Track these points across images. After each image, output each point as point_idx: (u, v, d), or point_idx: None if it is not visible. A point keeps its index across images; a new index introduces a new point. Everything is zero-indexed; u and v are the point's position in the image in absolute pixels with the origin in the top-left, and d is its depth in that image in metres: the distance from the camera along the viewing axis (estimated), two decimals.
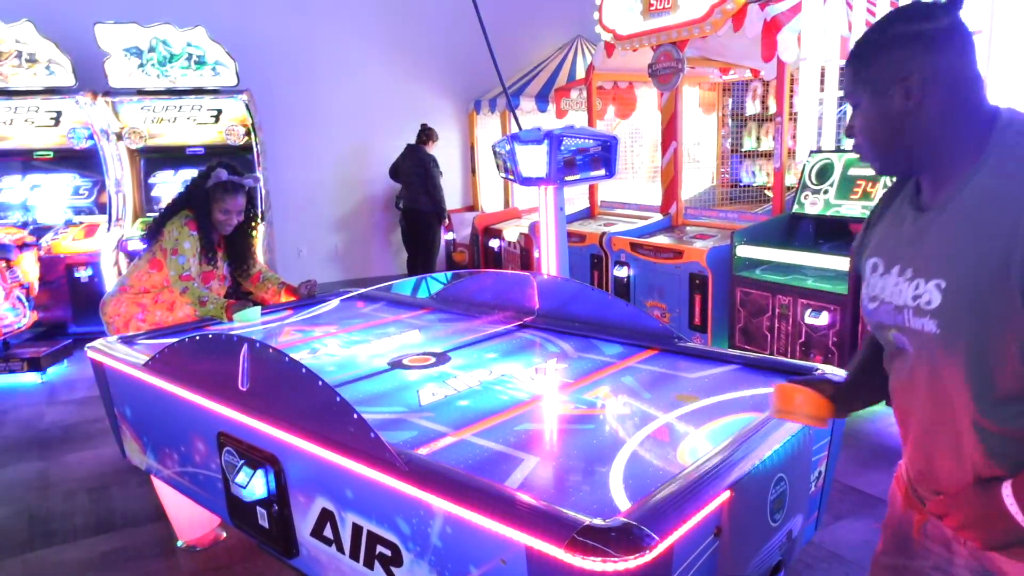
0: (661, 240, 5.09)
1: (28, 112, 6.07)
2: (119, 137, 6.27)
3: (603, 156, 3.37)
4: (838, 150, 4.60)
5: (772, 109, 5.39)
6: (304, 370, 1.74)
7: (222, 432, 2.05)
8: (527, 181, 3.39)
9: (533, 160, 3.29)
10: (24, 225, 5.98)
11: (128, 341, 2.81)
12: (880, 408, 3.64)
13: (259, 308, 3.11)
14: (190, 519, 2.83)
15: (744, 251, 4.44)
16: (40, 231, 5.90)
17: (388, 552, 1.59)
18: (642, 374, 2.29)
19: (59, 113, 6.12)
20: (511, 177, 3.48)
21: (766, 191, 5.73)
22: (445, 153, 7.80)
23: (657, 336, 2.54)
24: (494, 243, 7.27)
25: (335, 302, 3.46)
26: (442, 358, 2.51)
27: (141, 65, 6.10)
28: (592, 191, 6.23)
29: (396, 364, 2.46)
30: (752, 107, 5.81)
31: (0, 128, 6.09)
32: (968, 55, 1.10)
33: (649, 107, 6.56)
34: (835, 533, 2.83)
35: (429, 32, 8.14)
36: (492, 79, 6.95)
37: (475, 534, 1.38)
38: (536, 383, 2.24)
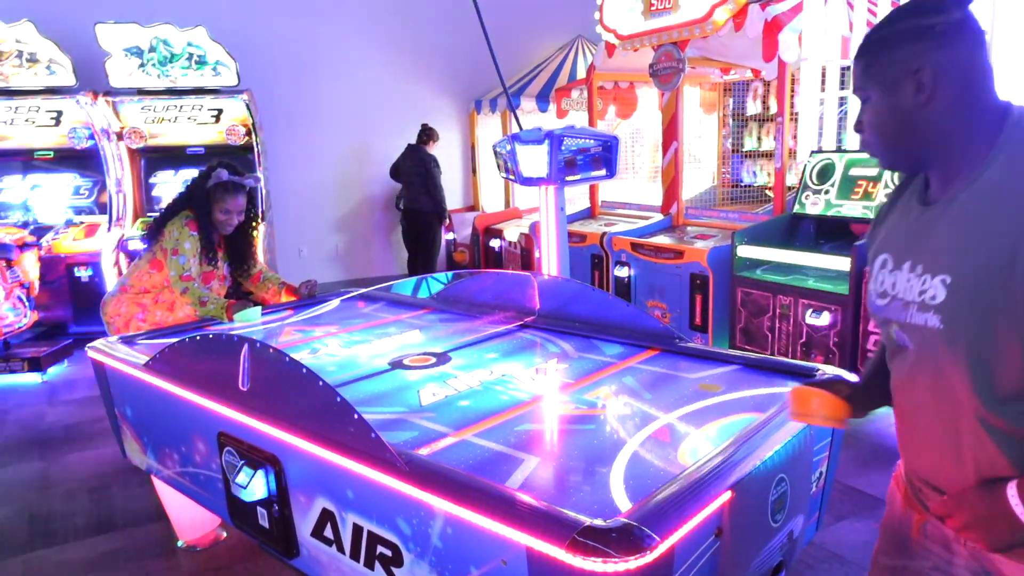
0: (662, 240, 5.09)
1: (29, 112, 6.07)
2: (120, 137, 6.27)
3: (604, 156, 3.36)
4: (839, 150, 4.60)
5: (773, 109, 5.39)
6: (305, 370, 1.74)
7: (222, 432, 2.05)
8: (528, 181, 3.39)
9: (534, 160, 3.29)
10: (25, 225, 5.98)
11: (129, 341, 2.81)
12: (881, 409, 3.64)
13: (259, 308, 3.11)
14: (191, 519, 2.83)
15: (745, 251, 4.44)
16: (41, 231, 5.91)
17: (389, 552, 1.59)
18: (643, 374, 2.29)
19: (60, 113, 6.12)
20: (512, 177, 3.48)
21: (767, 191, 5.72)
22: (446, 153, 7.80)
23: (658, 336, 2.54)
24: (495, 243, 7.27)
25: (336, 302, 3.46)
26: (443, 358, 2.51)
27: (142, 65, 6.10)
28: (593, 191, 6.22)
29: (397, 364, 2.46)
30: (753, 107, 5.80)
31: (1, 128, 6.09)
32: (979, 49, 1.09)
33: (650, 107, 6.55)
34: (836, 534, 2.83)
35: (430, 32, 8.14)
36: (493, 79, 6.95)
37: (476, 534, 1.38)
38: (537, 383, 2.24)
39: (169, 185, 6.46)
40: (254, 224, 3.49)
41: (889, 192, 1.32)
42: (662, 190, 5.47)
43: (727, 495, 1.46)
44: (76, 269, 5.83)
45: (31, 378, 5.04)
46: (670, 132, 5.27)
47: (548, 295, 2.94)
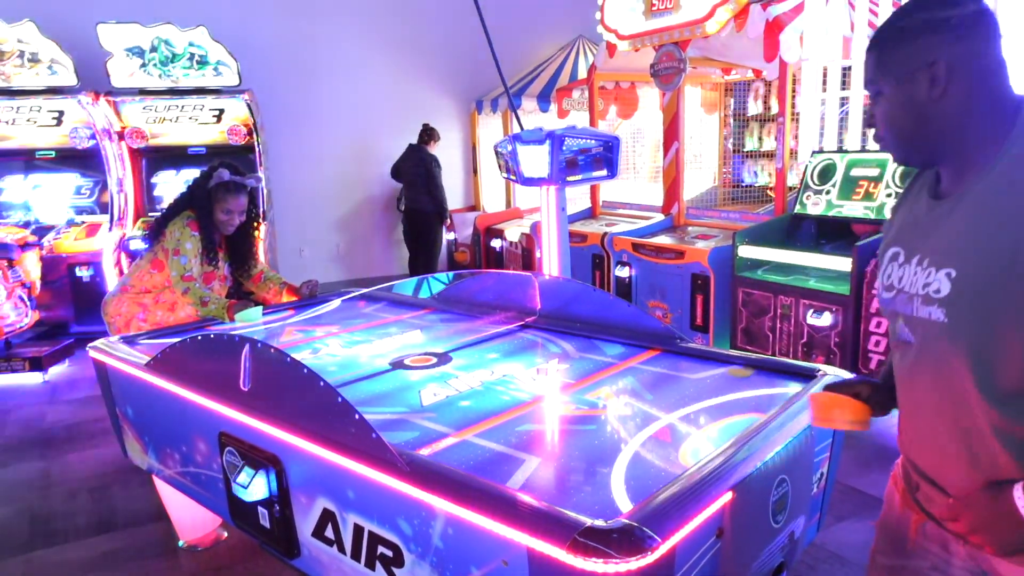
0: (663, 240, 5.09)
1: (30, 112, 6.08)
2: (121, 137, 6.28)
3: (605, 156, 3.36)
4: (840, 150, 4.59)
5: (774, 109, 5.38)
6: (306, 370, 1.74)
7: (224, 432, 2.05)
8: (529, 181, 3.39)
9: (535, 160, 3.29)
10: (26, 225, 5.99)
11: (130, 341, 2.81)
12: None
13: (260, 308, 3.11)
14: (191, 519, 2.84)
15: (746, 251, 4.44)
16: (42, 231, 5.91)
17: (389, 553, 1.59)
18: (644, 375, 2.29)
19: (61, 113, 6.12)
20: (513, 177, 3.48)
21: (768, 191, 5.72)
22: (447, 153, 7.80)
23: (659, 337, 2.54)
24: (496, 243, 7.27)
25: (336, 302, 3.46)
26: (444, 358, 2.51)
27: (143, 65, 6.11)
28: (594, 191, 6.22)
29: (398, 364, 2.46)
30: (754, 107, 5.80)
31: (2, 128, 6.10)
32: (993, 42, 1.09)
33: (651, 107, 6.55)
34: (837, 534, 2.83)
35: (431, 32, 8.14)
36: (494, 79, 6.96)
37: (477, 535, 1.38)
38: (538, 384, 2.24)
39: (170, 185, 6.46)
40: (255, 224, 3.49)
41: (904, 186, 1.32)
42: (663, 190, 5.47)
43: (728, 496, 1.46)
44: (77, 269, 5.84)
45: (32, 378, 5.04)
46: (671, 132, 5.27)
47: (549, 295, 2.94)
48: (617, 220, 5.90)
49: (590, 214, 6.23)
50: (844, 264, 3.90)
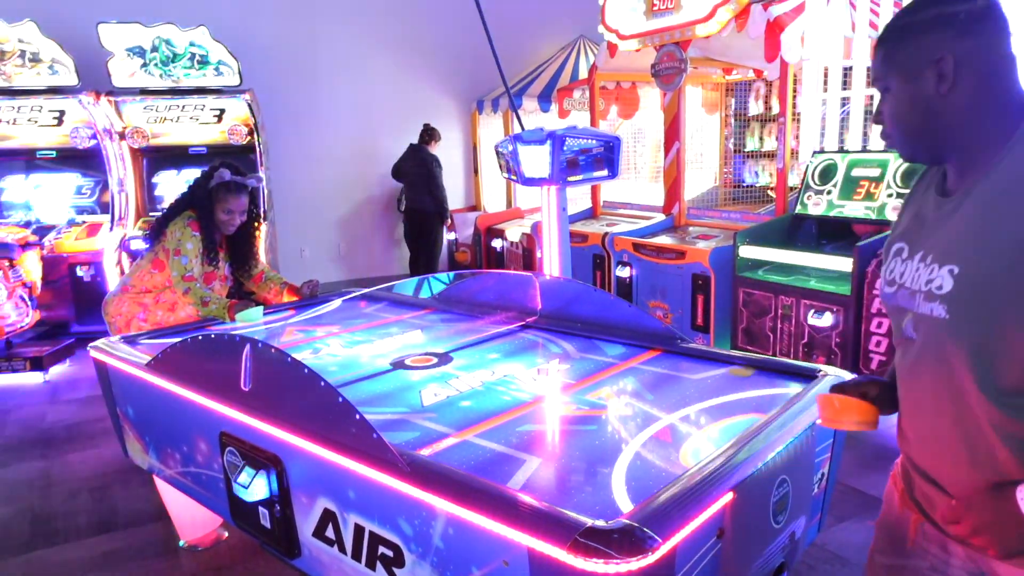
0: (664, 240, 5.08)
1: (31, 111, 6.08)
2: (122, 136, 6.28)
3: (606, 156, 3.36)
4: (841, 151, 4.59)
5: (775, 109, 5.38)
6: (306, 370, 1.74)
7: (224, 432, 2.05)
8: (529, 181, 3.39)
9: (536, 160, 3.28)
10: (27, 224, 5.99)
11: (131, 341, 2.81)
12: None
13: (261, 308, 3.11)
14: (192, 519, 2.84)
15: (747, 251, 4.43)
16: (43, 230, 5.91)
17: (390, 553, 1.59)
18: (644, 375, 2.29)
19: (62, 112, 6.13)
20: (514, 177, 3.48)
21: (769, 191, 5.72)
22: (448, 153, 7.80)
23: (659, 337, 2.54)
24: (497, 243, 7.27)
25: (337, 302, 3.46)
26: (444, 358, 2.51)
27: (144, 65, 6.11)
28: (595, 191, 6.22)
29: (398, 364, 2.46)
30: (755, 107, 5.79)
31: (3, 127, 6.10)
32: (1001, 39, 1.08)
33: (652, 107, 6.55)
34: (838, 535, 2.83)
35: (432, 32, 8.14)
36: (495, 79, 6.96)
37: (477, 535, 1.38)
38: (538, 384, 2.24)
39: (171, 185, 6.47)
40: (256, 224, 3.49)
41: (907, 184, 1.32)
42: (664, 190, 5.47)
43: (729, 496, 1.46)
44: (78, 269, 5.84)
45: (33, 377, 5.04)
46: (672, 132, 5.27)
47: (550, 295, 2.94)
48: (618, 220, 5.90)
49: (591, 214, 6.23)
50: (845, 264, 3.90)
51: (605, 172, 3.40)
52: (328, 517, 1.76)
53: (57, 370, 5.24)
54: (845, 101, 4.80)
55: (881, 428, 1.34)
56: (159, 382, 2.32)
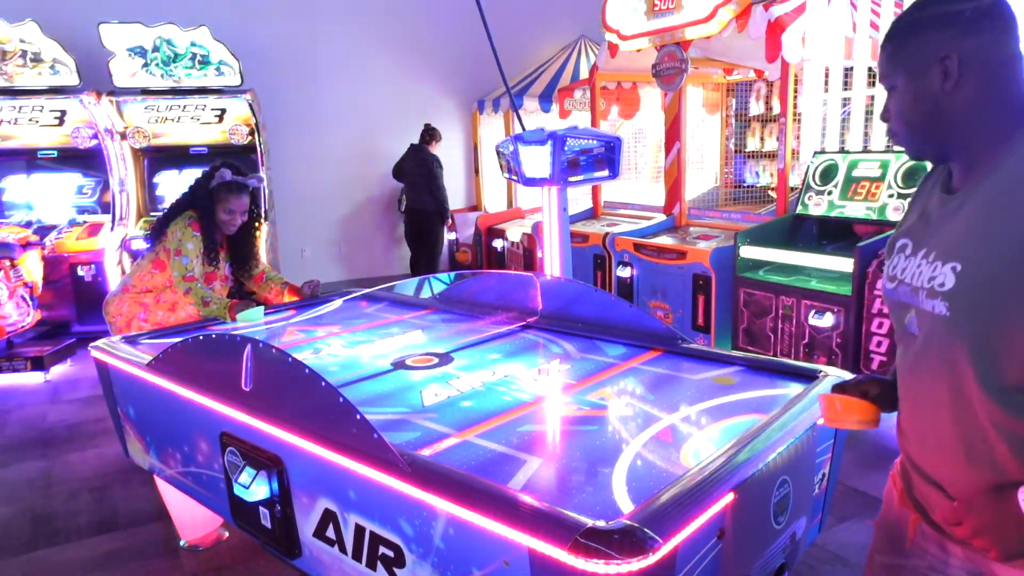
0: (664, 241, 5.08)
1: (32, 111, 6.09)
2: (123, 136, 6.29)
3: (607, 157, 3.36)
4: (842, 151, 4.59)
5: (776, 109, 5.38)
6: (307, 370, 1.74)
7: (225, 432, 2.05)
8: (530, 182, 3.39)
9: (536, 161, 3.28)
10: (28, 224, 5.99)
11: (131, 341, 2.81)
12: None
13: (262, 308, 3.11)
14: (193, 519, 2.84)
15: (748, 252, 4.43)
16: (44, 230, 5.92)
17: (391, 553, 1.59)
18: (645, 375, 2.29)
19: (63, 112, 6.13)
20: (514, 178, 3.47)
21: (770, 192, 5.71)
22: (448, 153, 7.80)
23: (660, 337, 2.54)
24: (497, 243, 7.27)
25: (338, 302, 3.46)
26: (445, 359, 2.51)
27: (145, 65, 6.12)
28: (595, 191, 6.22)
29: (399, 365, 2.46)
30: (756, 107, 5.80)
31: (5, 127, 6.10)
32: (1009, 37, 1.08)
33: (653, 107, 6.55)
34: (839, 535, 2.83)
35: (433, 32, 8.14)
36: (495, 79, 6.96)
37: (478, 536, 1.38)
38: (539, 384, 2.24)
39: (172, 185, 6.47)
40: (257, 224, 3.49)
41: (907, 184, 1.32)
42: (665, 190, 5.47)
43: (729, 497, 1.46)
44: (79, 268, 5.84)
45: (34, 377, 5.05)
46: (673, 132, 5.27)
47: (550, 296, 2.94)
48: (619, 220, 5.90)
49: (592, 214, 6.23)
50: (846, 265, 3.90)
51: (606, 172, 3.40)
52: (329, 517, 1.76)
53: (58, 370, 5.24)
54: (846, 101, 4.80)
55: (882, 428, 1.34)
56: (160, 382, 2.32)
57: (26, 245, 5.26)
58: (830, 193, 4.37)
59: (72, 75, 5.99)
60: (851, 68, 4.66)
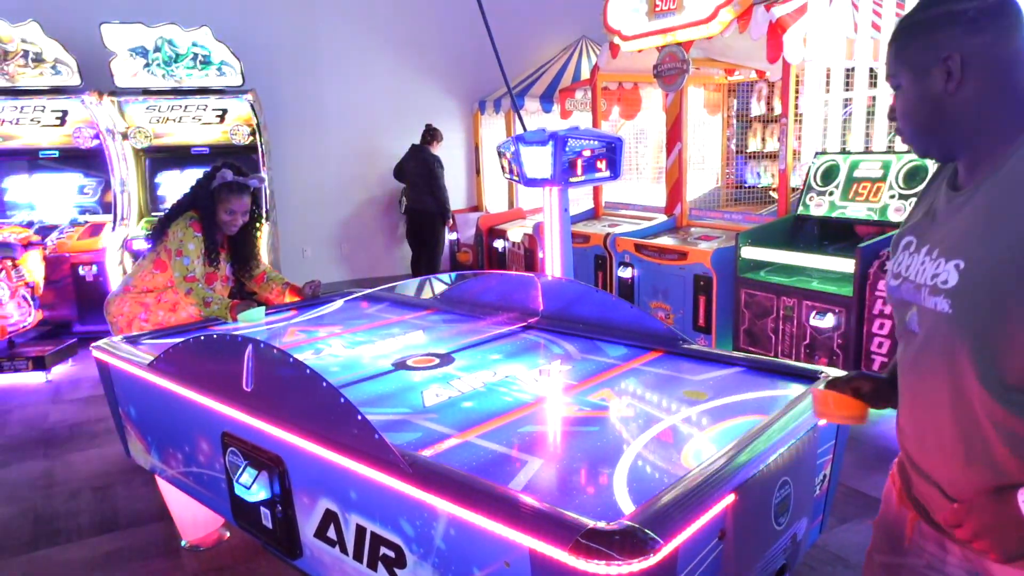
0: (665, 241, 5.08)
1: (34, 111, 6.10)
2: (124, 137, 6.29)
3: (608, 157, 3.36)
4: (843, 151, 4.59)
5: (777, 110, 5.38)
6: (308, 371, 1.74)
7: (226, 432, 2.06)
8: (531, 182, 3.39)
9: (537, 161, 3.28)
10: (30, 224, 6.00)
11: (133, 341, 2.82)
12: (884, 411, 3.63)
13: (263, 308, 3.12)
14: (194, 519, 2.84)
15: (749, 252, 4.43)
16: (45, 230, 5.93)
17: (391, 554, 1.59)
18: (646, 376, 2.29)
19: (65, 112, 6.14)
20: (516, 178, 3.48)
21: (771, 192, 5.71)
22: (449, 153, 7.81)
23: (661, 338, 2.54)
24: (498, 244, 7.27)
25: (339, 302, 3.46)
26: (446, 359, 2.51)
27: (147, 65, 6.12)
28: (596, 191, 6.22)
29: (400, 365, 2.46)
30: (757, 108, 5.80)
31: (6, 127, 6.11)
32: (1013, 34, 1.08)
33: (654, 108, 6.55)
34: (839, 536, 2.82)
35: (434, 32, 8.14)
36: (497, 79, 6.96)
37: (479, 536, 1.38)
38: (540, 385, 2.24)
39: (174, 185, 6.48)
40: (258, 224, 3.50)
41: (929, 177, 1.32)
42: (666, 191, 5.47)
43: (730, 498, 1.46)
44: (80, 268, 5.85)
45: (35, 377, 5.05)
46: (674, 133, 5.27)
47: (552, 296, 2.94)
48: (620, 221, 5.90)
49: (593, 215, 6.23)
50: (847, 266, 3.90)
51: (607, 173, 3.40)
52: (330, 518, 1.76)
53: (59, 370, 5.24)
54: (847, 102, 4.80)
55: (883, 428, 1.35)
56: (161, 382, 2.33)
57: (28, 245, 5.27)
58: (831, 194, 4.37)
59: (74, 75, 5.99)
60: (852, 69, 4.66)
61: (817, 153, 4.66)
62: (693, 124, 5.59)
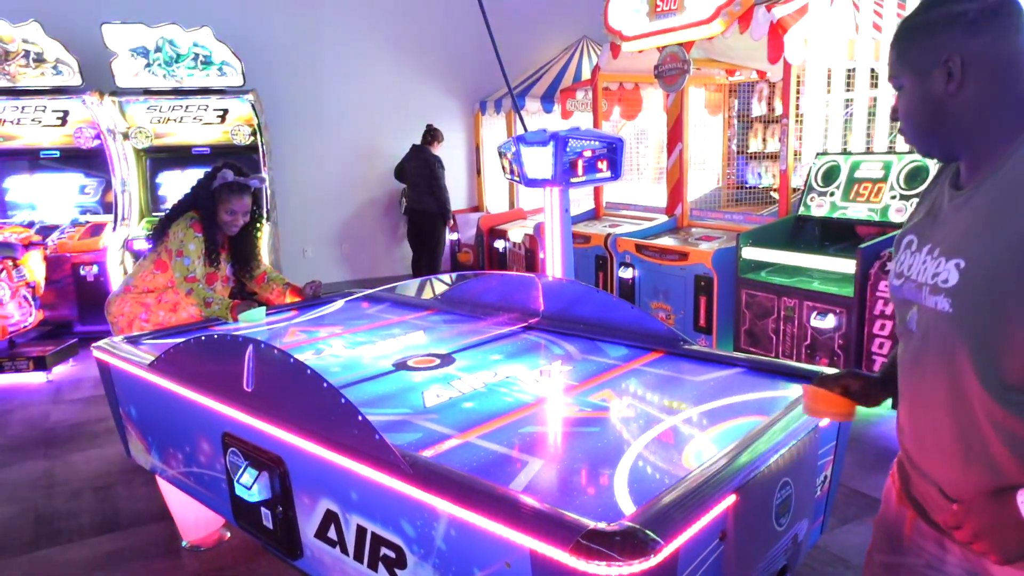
0: (666, 242, 5.08)
1: (35, 111, 6.10)
2: (125, 137, 6.30)
3: (609, 158, 3.36)
4: (844, 152, 4.59)
5: (778, 110, 5.38)
6: (309, 371, 1.74)
7: (227, 433, 2.06)
8: (532, 183, 3.39)
9: (538, 162, 3.28)
10: (30, 224, 6.01)
11: (133, 341, 2.82)
12: (885, 411, 3.63)
13: (264, 309, 3.12)
14: (195, 519, 2.84)
15: (750, 253, 4.43)
16: (46, 230, 5.93)
17: (392, 554, 1.59)
18: (647, 377, 2.29)
19: (66, 112, 6.15)
20: (516, 179, 3.48)
21: (772, 193, 5.71)
22: (450, 154, 7.81)
23: (662, 338, 2.54)
24: (499, 244, 7.27)
25: (340, 303, 3.47)
26: (447, 360, 2.51)
27: (148, 65, 6.13)
28: (597, 192, 6.22)
29: (401, 365, 2.46)
30: (758, 108, 5.79)
31: (7, 127, 6.12)
32: (1012, 36, 1.08)
33: (655, 108, 6.55)
34: (840, 537, 2.82)
35: (435, 33, 8.15)
36: (497, 80, 6.96)
37: (479, 537, 1.38)
38: (541, 385, 2.24)
39: (175, 185, 6.48)
40: (259, 224, 3.50)
41: (932, 176, 1.32)
42: (667, 192, 5.47)
43: (731, 499, 1.45)
44: (81, 268, 5.85)
45: (36, 377, 5.05)
46: (675, 133, 5.27)
47: (552, 297, 2.94)
48: (620, 221, 5.90)
49: (593, 215, 6.23)
50: (848, 266, 3.89)
51: (608, 173, 3.40)
52: (330, 518, 1.76)
53: (60, 370, 5.25)
54: (848, 103, 4.80)
55: (884, 429, 1.35)
56: (162, 382, 2.33)
57: (28, 245, 5.27)
58: (832, 194, 4.37)
59: (75, 75, 6.00)
60: (853, 69, 4.65)
61: (818, 154, 4.65)
62: (694, 124, 5.59)
